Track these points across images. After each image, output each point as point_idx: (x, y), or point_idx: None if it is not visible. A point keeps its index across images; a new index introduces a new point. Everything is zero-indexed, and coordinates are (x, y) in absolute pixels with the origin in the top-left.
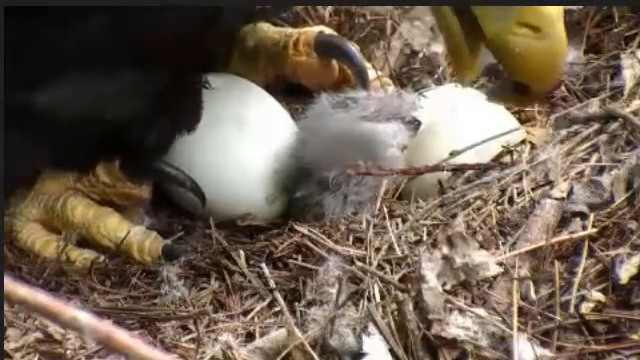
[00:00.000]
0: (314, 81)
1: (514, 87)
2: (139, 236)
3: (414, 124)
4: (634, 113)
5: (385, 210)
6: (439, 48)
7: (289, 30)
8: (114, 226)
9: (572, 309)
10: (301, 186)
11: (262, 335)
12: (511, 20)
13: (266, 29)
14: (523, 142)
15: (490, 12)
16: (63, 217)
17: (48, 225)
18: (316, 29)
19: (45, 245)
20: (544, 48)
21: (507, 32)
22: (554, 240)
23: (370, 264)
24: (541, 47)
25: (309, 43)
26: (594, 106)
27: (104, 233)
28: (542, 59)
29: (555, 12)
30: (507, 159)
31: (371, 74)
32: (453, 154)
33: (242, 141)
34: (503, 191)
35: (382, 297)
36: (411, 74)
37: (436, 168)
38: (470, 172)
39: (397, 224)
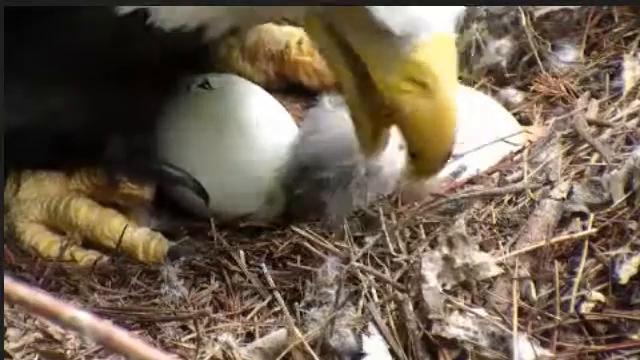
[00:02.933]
0: (315, 81)
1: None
2: (144, 238)
3: None
4: (633, 114)
5: (384, 210)
6: None
7: (292, 29)
8: (118, 228)
9: (572, 309)
10: (301, 184)
11: (262, 335)
12: (397, 74)
13: (267, 28)
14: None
15: (380, 64)
16: (66, 219)
17: (51, 226)
18: None
19: (49, 246)
20: (431, 107)
21: (396, 89)
22: (554, 240)
23: (369, 264)
24: (428, 106)
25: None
26: (593, 107)
27: (108, 235)
28: (430, 119)
29: (444, 69)
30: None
31: None
32: (455, 157)
33: (243, 141)
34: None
35: (381, 297)
36: None
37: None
38: (470, 174)
39: (397, 224)
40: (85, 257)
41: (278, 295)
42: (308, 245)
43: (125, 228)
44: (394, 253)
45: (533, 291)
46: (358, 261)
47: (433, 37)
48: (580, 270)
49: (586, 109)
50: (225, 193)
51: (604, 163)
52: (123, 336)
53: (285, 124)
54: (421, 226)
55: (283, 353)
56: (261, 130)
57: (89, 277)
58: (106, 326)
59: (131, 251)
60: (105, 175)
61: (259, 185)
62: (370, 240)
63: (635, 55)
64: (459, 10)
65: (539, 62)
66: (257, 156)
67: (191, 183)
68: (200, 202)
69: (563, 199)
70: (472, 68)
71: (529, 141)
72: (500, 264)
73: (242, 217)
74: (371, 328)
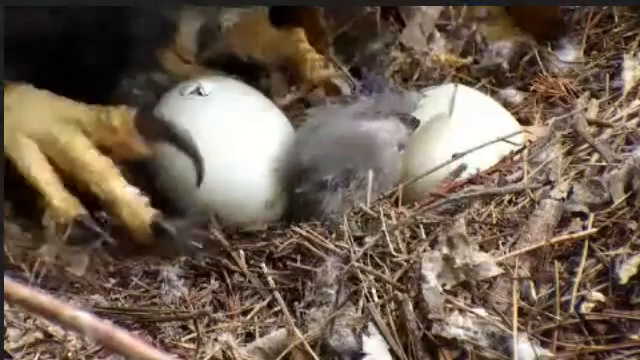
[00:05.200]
0: (272, 55)
1: None
2: (132, 197)
3: (413, 122)
4: (633, 114)
5: (384, 210)
6: (439, 47)
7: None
8: (110, 178)
9: (572, 309)
10: (301, 185)
11: (262, 335)
12: None
13: None
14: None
15: None
16: (63, 154)
17: (43, 147)
18: None
19: (41, 170)
20: None
21: None
22: (554, 240)
23: (369, 264)
24: None
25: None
26: (593, 107)
27: (100, 184)
28: None
29: None
30: (507, 161)
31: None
32: (456, 156)
33: (240, 145)
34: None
35: (381, 297)
36: (411, 74)
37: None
38: (470, 174)
39: (397, 224)
40: (64, 201)
41: (278, 295)
42: (308, 245)
43: (119, 182)
44: (394, 253)
45: (533, 291)
46: (358, 261)
47: None
48: (580, 270)
49: (586, 109)
50: (222, 199)
51: (604, 163)
52: (123, 336)
53: (281, 126)
54: (421, 226)
55: (283, 353)
56: (258, 134)
57: (89, 277)
58: (106, 326)
59: (117, 207)
60: (121, 119)
61: (258, 189)
62: (370, 240)
63: (635, 55)
64: None
65: (539, 62)
66: (255, 160)
67: (194, 152)
68: (199, 203)
69: (563, 199)
70: (472, 68)
71: (529, 141)
72: (500, 264)
73: (242, 224)
74: (371, 328)
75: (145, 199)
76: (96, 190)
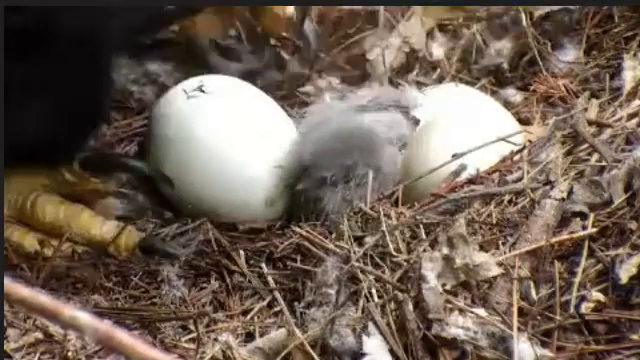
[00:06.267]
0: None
1: None
2: (113, 231)
3: (413, 121)
4: (633, 114)
5: (384, 210)
6: (439, 46)
7: None
8: (86, 223)
9: (572, 309)
10: (301, 182)
11: (262, 335)
12: None
13: None
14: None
15: None
16: (34, 217)
17: (21, 222)
18: None
19: (23, 236)
20: None
21: None
22: (554, 240)
23: (369, 264)
24: None
25: None
26: (593, 107)
27: (77, 231)
28: None
29: None
30: (507, 161)
31: None
32: (456, 156)
33: (240, 144)
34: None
35: (381, 297)
36: (410, 70)
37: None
38: (470, 174)
39: (397, 224)
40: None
41: (278, 295)
42: (308, 245)
43: (95, 223)
44: (394, 253)
45: (533, 291)
46: (358, 261)
47: None
48: (580, 270)
49: (586, 109)
50: (222, 198)
51: (604, 163)
52: (123, 336)
53: (282, 123)
54: (421, 226)
55: (283, 353)
56: (259, 131)
57: (89, 277)
58: (106, 326)
59: (102, 246)
60: (70, 171)
61: (258, 188)
62: (370, 240)
63: (635, 55)
64: None
65: (539, 62)
66: (255, 158)
67: (149, 171)
68: (200, 202)
69: (563, 199)
70: (472, 68)
71: (529, 141)
72: (500, 264)
73: (242, 222)
74: (371, 328)
75: (127, 228)
76: (80, 241)
